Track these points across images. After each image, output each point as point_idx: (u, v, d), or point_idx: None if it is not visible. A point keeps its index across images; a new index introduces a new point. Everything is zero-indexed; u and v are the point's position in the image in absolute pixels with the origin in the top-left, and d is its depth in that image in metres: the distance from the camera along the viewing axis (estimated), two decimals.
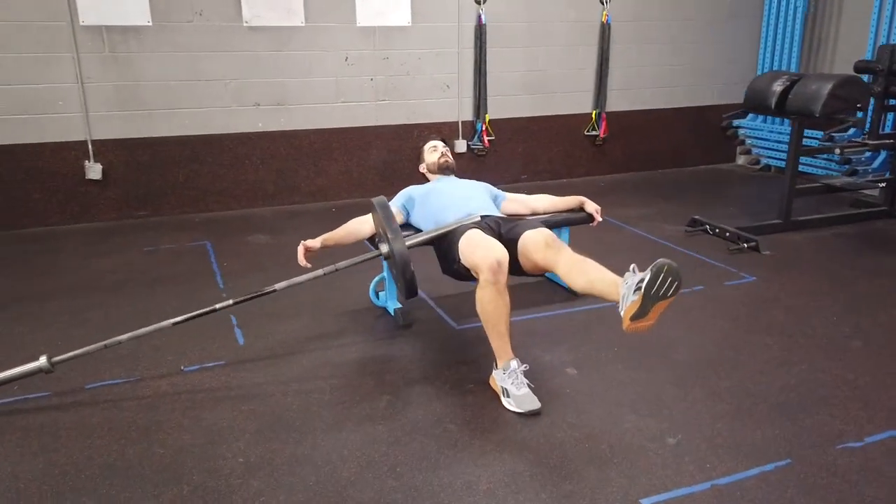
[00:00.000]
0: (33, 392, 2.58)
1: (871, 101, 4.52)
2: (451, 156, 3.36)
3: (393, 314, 3.24)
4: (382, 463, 2.16)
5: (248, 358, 2.88)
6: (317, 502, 1.99)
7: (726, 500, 1.98)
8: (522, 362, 2.52)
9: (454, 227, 2.80)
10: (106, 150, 4.80)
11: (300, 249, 2.89)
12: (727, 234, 4.32)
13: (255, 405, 2.50)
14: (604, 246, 4.31)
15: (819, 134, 5.05)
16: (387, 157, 5.52)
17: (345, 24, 5.14)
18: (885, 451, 2.20)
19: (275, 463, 2.16)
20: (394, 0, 5.21)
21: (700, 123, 6.52)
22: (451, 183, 3.23)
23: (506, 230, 2.76)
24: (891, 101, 4.66)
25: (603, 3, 5.87)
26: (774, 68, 6.29)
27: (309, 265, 2.88)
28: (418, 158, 3.45)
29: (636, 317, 2.09)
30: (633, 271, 2.16)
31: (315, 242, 2.92)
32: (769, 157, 6.41)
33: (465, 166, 5.66)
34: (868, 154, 5.36)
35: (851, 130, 5.07)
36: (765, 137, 6.35)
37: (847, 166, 5.46)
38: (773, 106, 4.37)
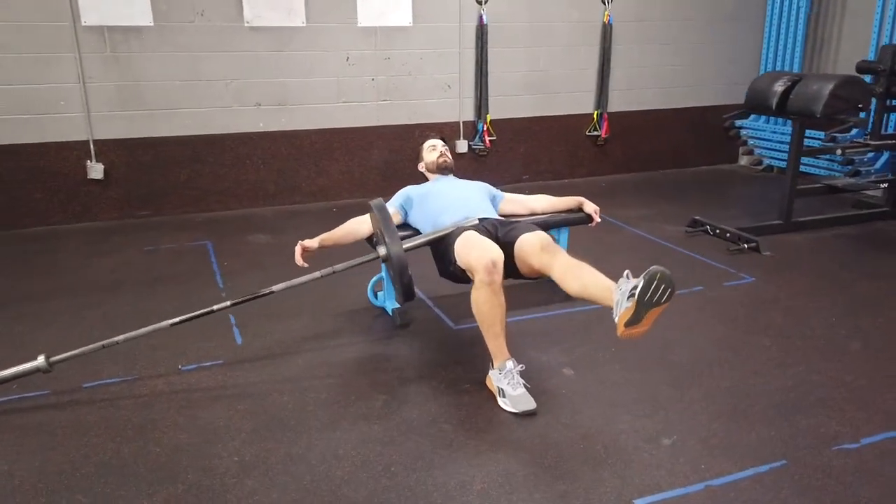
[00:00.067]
0: (32, 391, 2.59)
1: (874, 101, 4.50)
2: (450, 155, 3.35)
3: (391, 314, 3.24)
4: (377, 462, 2.16)
5: (246, 357, 2.89)
6: (310, 501, 1.99)
7: (720, 500, 1.98)
8: (519, 362, 2.52)
9: (451, 230, 2.80)
10: (108, 149, 4.81)
11: (298, 249, 2.89)
12: (727, 234, 4.31)
13: (251, 404, 2.51)
14: (604, 246, 4.31)
15: (821, 135, 5.04)
16: (388, 158, 5.52)
17: (346, 25, 5.15)
18: (881, 453, 2.19)
19: (269, 462, 2.17)
20: (395, 0, 5.22)
21: (702, 124, 6.50)
22: (450, 184, 3.22)
23: (503, 233, 2.76)
24: (893, 101, 4.63)
25: (605, 4, 5.86)
26: (777, 68, 6.28)
27: (306, 265, 2.89)
28: (417, 157, 3.45)
29: (630, 323, 2.08)
30: (627, 277, 2.15)
31: (313, 243, 2.93)
32: (771, 157, 6.39)
33: (467, 166, 5.66)
34: (871, 155, 5.33)
35: (854, 131, 5.05)
36: (767, 138, 6.33)
37: (850, 167, 5.45)
38: (773, 106, 4.36)
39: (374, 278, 3.36)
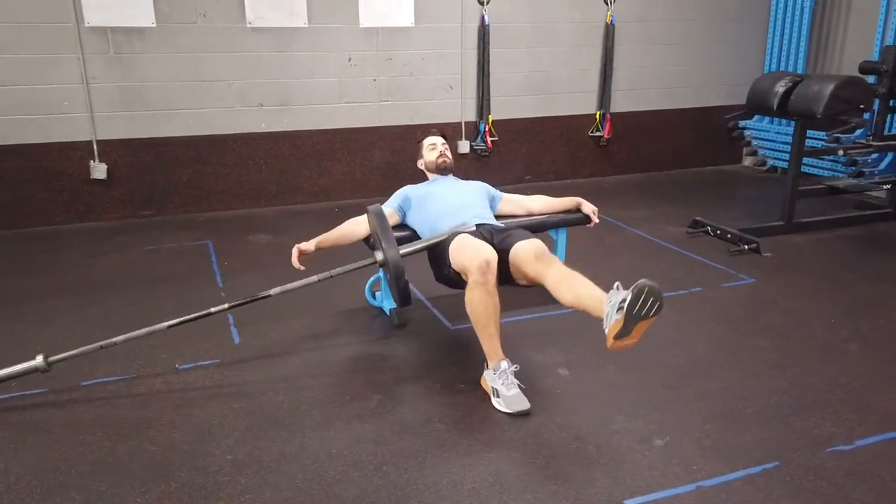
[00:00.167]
0: (30, 389, 2.61)
1: (876, 102, 4.48)
2: (449, 155, 3.30)
3: (388, 314, 3.25)
4: (369, 462, 2.17)
5: (243, 357, 2.90)
6: (302, 500, 2.00)
7: (711, 501, 1.98)
8: (515, 363, 2.53)
9: (447, 235, 2.80)
10: (111, 150, 4.84)
11: (294, 253, 2.90)
12: (728, 235, 4.30)
13: (247, 403, 2.52)
14: (604, 247, 4.32)
15: (825, 135, 5.02)
16: (390, 158, 5.53)
17: (348, 25, 5.16)
18: (875, 455, 2.18)
19: (262, 460, 2.18)
20: (397, 1, 5.23)
21: (706, 124, 6.48)
22: (449, 186, 3.18)
23: (498, 240, 2.74)
24: None
25: (607, 4, 5.86)
26: (781, 69, 6.26)
27: (303, 268, 2.90)
28: (416, 153, 3.38)
29: (619, 335, 2.08)
30: (618, 289, 2.15)
31: (309, 245, 2.94)
32: (775, 158, 6.37)
33: (469, 167, 5.66)
34: (875, 156, 5.31)
35: (858, 131, 5.03)
36: (771, 139, 6.31)
37: (854, 168, 5.42)
38: (774, 107, 4.34)
39: (372, 278, 3.37)
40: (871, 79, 4.49)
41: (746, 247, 4.13)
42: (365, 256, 2.89)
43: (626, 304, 2.03)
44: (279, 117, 5.19)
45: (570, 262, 3.52)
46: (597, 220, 3.35)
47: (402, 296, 2.66)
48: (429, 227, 3.01)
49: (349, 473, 2.11)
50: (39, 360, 2.55)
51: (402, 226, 3.17)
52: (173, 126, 4.95)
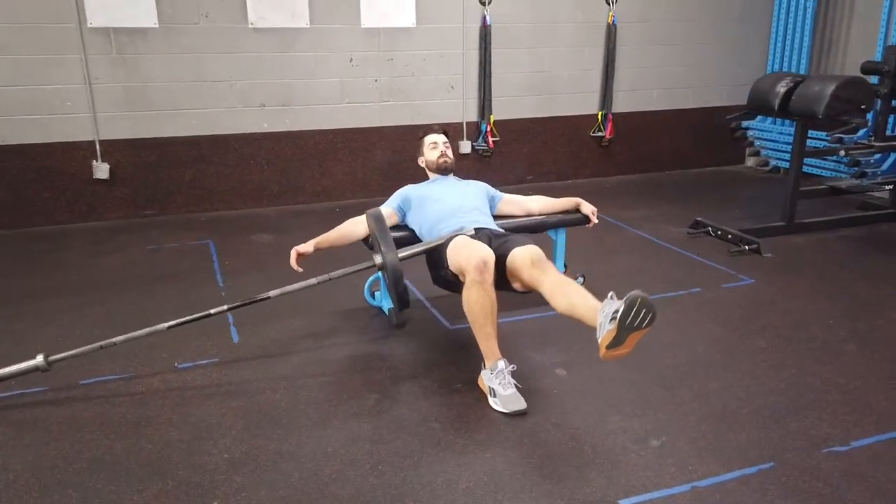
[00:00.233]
0: (30, 387, 2.63)
1: (878, 102, 4.47)
2: (451, 154, 3.27)
3: (387, 314, 3.26)
4: (365, 461, 2.18)
5: (242, 356, 2.91)
6: (297, 498, 2.01)
7: (705, 501, 1.98)
8: (512, 362, 2.53)
9: (445, 239, 2.80)
10: (113, 150, 4.87)
11: (293, 255, 2.92)
12: (729, 236, 4.30)
13: (245, 402, 2.53)
14: (604, 247, 4.32)
15: (826, 136, 5.01)
16: (391, 158, 5.54)
17: (349, 26, 5.18)
18: (871, 456, 2.18)
19: (259, 459, 2.19)
20: (399, 1, 5.24)
21: (708, 125, 6.48)
22: (449, 188, 3.17)
23: (496, 245, 2.73)
24: None
25: (609, 4, 5.86)
26: (784, 70, 6.24)
27: (301, 270, 2.91)
28: (417, 150, 3.35)
29: (612, 345, 2.08)
30: (612, 298, 2.15)
31: (307, 247, 2.95)
32: (778, 158, 6.36)
33: (470, 167, 5.67)
34: (878, 156, 5.29)
35: (861, 132, 5.02)
36: (774, 139, 6.30)
37: (856, 168, 5.40)
38: (776, 107, 4.34)
39: (371, 278, 3.38)
40: (873, 79, 4.48)
41: (747, 247, 4.13)
42: (364, 256, 2.90)
43: (619, 315, 2.03)
44: (281, 117, 5.21)
45: (571, 262, 3.57)
46: (596, 221, 3.36)
47: (400, 300, 2.68)
48: (428, 228, 3.01)
49: (345, 472, 2.12)
50: (40, 359, 2.56)
51: (401, 226, 3.18)
52: (176, 126, 4.97)
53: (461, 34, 5.49)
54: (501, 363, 2.50)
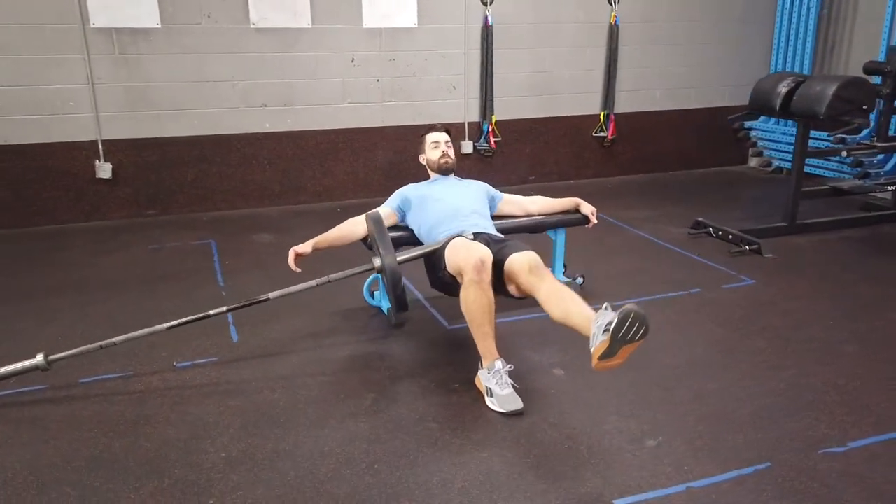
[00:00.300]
0: (29, 385, 2.64)
1: (880, 102, 4.45)
2: (452, 154, 3.26)
3: (386, 313, 3.27)
4: (361, 460, 2.18)
5: (241, 355, 2.92)
6: (293, 497, 2.02)
7: (700, 502, 1.98)
8: (511, 362, 2.54)
9: (444, 243, 2.80)
10: (116, 149, 4.89)
11: (291, 255, 2.92)
12: (730, 236, 4.29)
13: (243, 401, 2.54)
14: (605, 247, 4.31)
15: (827, 136, 4.99)
16: (393, 158, 5.55)
17: (351, 26, 5.18)
18: (868, 457, 2.17)
19: (256, 458, 2.20)
20: (400, 1, 5.24)
21: (710, 125, 6.46)
22: (449, 188, 3.17)
23: (495, 250, 2.71)
24: None
25: (611, 4, 5.85)
26: (787, 70, 6.22)
27: (299, 270, 2.92)
28: (419, 146, 3.34)
29: (604, 356, 2.07)
30: (606, 309, 2.15)
31: (305, 247, 2.96)
32: (781, 159, 6.34)
33: (472, 167, 5.67)
34: (881, 156, 5.27)
35: (864, 132, 5.00)
36: (777, 139, 6.28)
37: (859, 169, 5.38)
38: (777, 107, 4.33)
39: (370, 278, 3.38)
40: (876, 79, 4.46)
41: (748, 248, 4.12)
42: (363, 257, 2.90)
43: (612, 327, 2.03)
44: (283, 117, 5.22)
45: (571, 262, 3.57)
46: (595, 221, 3.36)
47: (399, 303, 2.69)
48: (427, 229, 3.02)
49: (341, 471, 2.13)
50: (40, 358, 2.58)
51: (400, 226, 3.18)
52: (178, 126, 4.99)
53: (463, 34, 5.49)
54: (499, 363, 2.50)
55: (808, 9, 5.99)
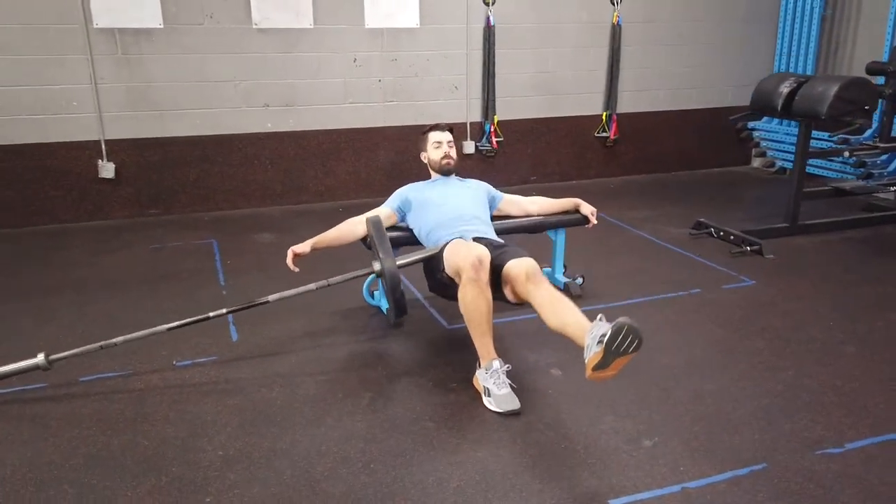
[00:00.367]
0: (30, 383, 2.66)
1: (883, 102, 4.44)
2: (454, 155, 3.25)
3: (385, 313, 3.27)
4: (357, 459, 2.19)
5: (240, 354, 2.93)
6: (289, 496, 2.03)
7: (695, 502, 1.98)
8: (509, 362, 2.54)
9: (443, 246, 2.81)
10: (119, 149, 4.91)
11: (289, 255, 2.93)
12: (731, 237, 4.28)
13: (241, 400, 2.55)
14: (605, 247, 4.31)
15: (828, 136, 4.98)
16: (394, 158, 5.56)
17: (353, 26, 5.19)
18: (866, 458, 2.17)
19: (253, 456, 2.21)
20: (402, 2, 5.25)
21: (713, 126, 6.44)
22: (450, 191, 3.16)
23: (494, 255, 2.72)
24: None
25: (614, 5, 5.84)
26: (790, 70, 6.21)
27: (298, 270, 2.93)
28: (420, 144, 3.32)
29: (598, 367, 2.07)
30: (601, 320, 2.15)
31: (304, 247, 2.97)
32: (784, 159, 6.32)
33: (474, 167, 5.68)
34: (884, 157, 5.25)
35: (868, 132, 4.98)
36: (780, 140, 6.26)
37: (862, 169, 5.36)
38: (779, 108, 4.32)
39: (370, 278, 3.39)
40: (879, 80, 4.45)
41: (749, 248, 4.11)
42: (364, 256, 2.91)
43: (605, 339, 2.03)
44: (285, 117, 5.23)
45: (571, 262, 3.58)
46: (595, 221, 3.36)
47: (398, 306, 2.69)
48: (427, 232, 3.02)
49: (337, 470, 2.14)
50: (40, 357, 2.59)
51: (400, 226, 3.19)
52: (180, 126, 5.01)
53: (465, 34, 5.50)
54: (496, 363, 2.50)
55: (812, 9, 5.98)
